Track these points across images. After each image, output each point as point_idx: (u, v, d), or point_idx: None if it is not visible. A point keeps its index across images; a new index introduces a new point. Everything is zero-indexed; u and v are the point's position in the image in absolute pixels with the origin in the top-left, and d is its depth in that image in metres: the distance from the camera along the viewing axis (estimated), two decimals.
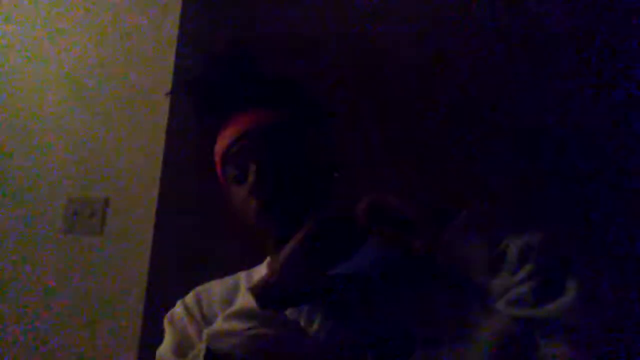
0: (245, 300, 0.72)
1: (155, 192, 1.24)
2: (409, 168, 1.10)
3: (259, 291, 0.60)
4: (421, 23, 1.19)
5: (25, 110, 1.41)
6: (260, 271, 0.75)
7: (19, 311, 1.24)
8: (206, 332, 0.60)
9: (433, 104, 1.15)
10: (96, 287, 1.22)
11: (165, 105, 1.28)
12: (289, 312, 0.65)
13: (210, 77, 0.75)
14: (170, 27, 1.34)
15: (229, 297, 0.74)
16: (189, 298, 0.77)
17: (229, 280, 0.78)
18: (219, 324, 0.60)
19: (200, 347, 0.59)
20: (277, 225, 0.66)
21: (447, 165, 1.09)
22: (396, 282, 0.64)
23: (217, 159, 0.75)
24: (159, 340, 0.77)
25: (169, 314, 0.77)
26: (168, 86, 1.29)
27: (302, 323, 0.64)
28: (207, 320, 0.71)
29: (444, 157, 1.10)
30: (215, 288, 0.77)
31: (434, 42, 1.17)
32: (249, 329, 0.57)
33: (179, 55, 1.32)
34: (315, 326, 0.64)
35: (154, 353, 0.76)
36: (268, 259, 0.76)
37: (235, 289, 0.75)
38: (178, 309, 0.77)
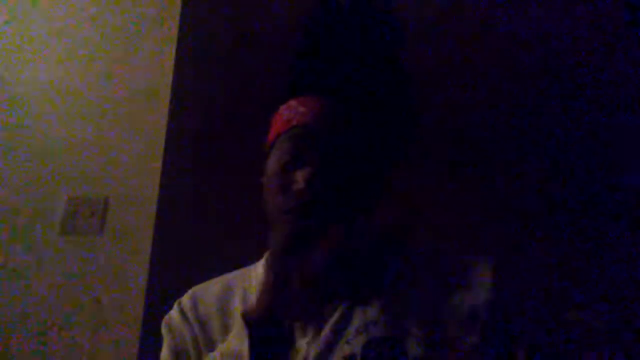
0: (241, 305, 0.71)
1: (155, 192, 1.24)
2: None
3: (252, 321, 0.61)
4: (421, 23, 1.19)
5: (25, 110, 1.41)
6: (257, 270, 0.75)
7: (19, 311, 1.24)
8: None
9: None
10: (96, 287, 1.21)
11: (165, 105, 1.28)
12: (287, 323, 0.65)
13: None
14: (171, 27, 1.34)
15: (225, 297, 0.73)
16: (185, 299, 0.77)
17: (226, 279, 0.77)
18: None
19: None
20: (307, 225, 0.63)
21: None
22: (388, 295, 0.64)
23: (272, 133, 0.70)
24: (159, 340, 0.77)
25: (165, 320, 0.76)
26: (168, 86, 1.29)
27: (297, 335, 0.64)
28: (203, 321, 0.71)
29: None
30: (212, 288, 0.76)
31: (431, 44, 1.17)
32: None
33: (179, 56, 1.32)
34: (308, 338, 0.64)
35: (154, 352, 0.76)
36: (266, 256, 0.75)
37: (231, 289, 0.75)
38: (174, 313, 0.76)
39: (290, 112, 0.67)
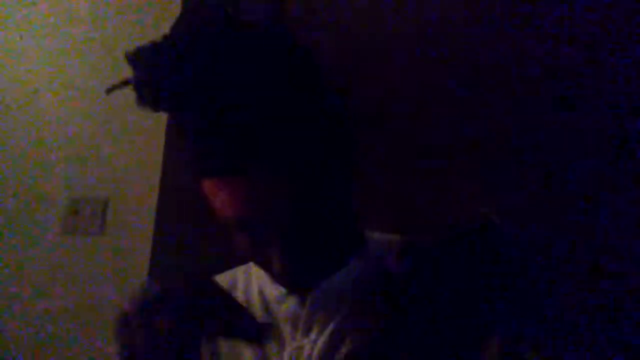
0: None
1: (155, 192, 1.24)
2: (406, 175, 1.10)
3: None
4: (421, 23, 1.19)
5: (25, 110, 1.41)
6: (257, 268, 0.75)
7: (19, 311, 1.24)
8: None
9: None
10: (96, 287, 1.21)
11: None
12: (289, 319, 0.65)
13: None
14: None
15: (229, 291, 0.74)
16: None
17: (227, 276, 0.77)
18: None
19: None
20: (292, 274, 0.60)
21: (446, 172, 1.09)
22: (390, 291, 0.64)
23: (216, 209, 0.60)
24: None
25: None
26: None
27: (300, 331, 0.64)
28: None
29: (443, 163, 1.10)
30: (218, 281, 0.76)
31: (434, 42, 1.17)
32: None
33: None
34: (313, 335, 0.64)
35: None
36: None
37: (235, 283, 0.75)
38: None
39: (230, 196, 0.56)
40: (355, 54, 1.19)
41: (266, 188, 0.54)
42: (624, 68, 1.04)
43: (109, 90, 0.59)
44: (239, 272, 0.77)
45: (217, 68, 0.52)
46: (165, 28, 0.60)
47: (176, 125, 0.58)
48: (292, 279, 0.62)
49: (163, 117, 1.29)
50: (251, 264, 0.77)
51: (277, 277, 0.63)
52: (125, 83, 0.56)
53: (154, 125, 1.29)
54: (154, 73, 0.54)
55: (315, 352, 0.62)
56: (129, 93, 0.63)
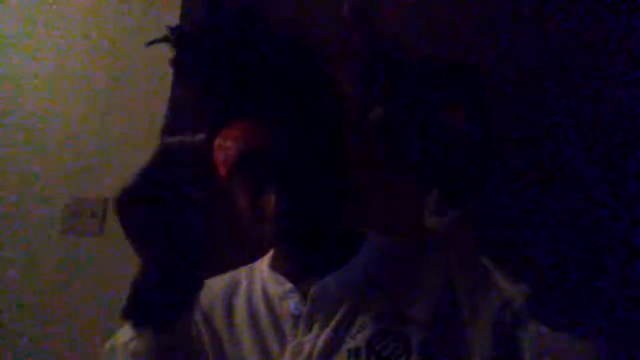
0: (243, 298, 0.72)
1: None
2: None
3: None
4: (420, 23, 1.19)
5: (25, 110, 1.41)
6: (261, 267, 0.75)
7: (19, 311, 1.24)
8: None
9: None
10: (96, 287, 1.21)
11: (165, 104, 1.28)
12: (291, 317, 0.65)
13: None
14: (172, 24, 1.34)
15: (230, 292, 0.74)
16: None
17: (229, 276, 0.77)
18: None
19: None
20: (293, 250, 0.67)
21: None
22: (391, 288, 0.65)
23: (220, 165, 0.67)
24: None
25: None
26: (168, 87, 1.29)
27: (301, 328, 0.64)
28: (207, 318, 0.71)
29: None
30: (219, 282, 0.77)
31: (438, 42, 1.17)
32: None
33: None
34: (314, 332, 0.64)
35: None
36: (270, 252, 0.76)
37: (236, 284, 0.75)
38: None
39: (234, 141, 0.64)
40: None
41: (269, 127, 0.62)
42: (623, 67, 1.05)
43: (150, 43, 0.68)
44: (242, 272, 0.78)
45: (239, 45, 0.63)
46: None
47: (198, 81, 0.65)
48: (299, 266, 0.64)
49: (163, 117, 1.29)
50: (255, 263, 0.77)
51: (273, 226, 0.64)
52: (166, 39, 0.67)
53: (154, 125, 1.29)
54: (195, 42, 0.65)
55: (317, 349, 0.62)
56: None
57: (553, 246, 0.44)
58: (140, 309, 0.50)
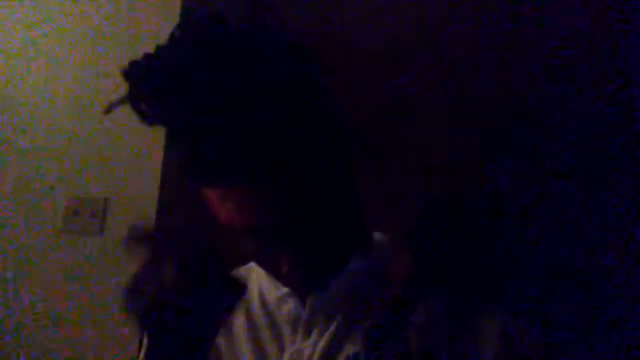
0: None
1: (155, 192, 1.24)
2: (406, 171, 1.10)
3: None
4: (419, 22, 1.19)
5: (25, 110, 1.41)
6: (258, 269, 0.75)
7: (19, 311, 1.24)
8: None
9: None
10: (96, 287, 1.21)
11: None
12: (289, 321, 0.65)
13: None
14: (171, 27, 1.34)
15: None
16: None
17: (234, 274, 0.77)
18: None
19: None
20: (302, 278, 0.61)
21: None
22: (390, 293, 0.64)
23: (220, 217, 0.59)
24: None
25: None
26: None
27: (300, 333, 0.64)
28: None
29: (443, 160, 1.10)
30: None
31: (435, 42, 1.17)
32: None
33: None
34: (313, 337, 0.64)
35: None
36: None
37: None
38: None
39: (235, 207, 0.56)
40: (354, 54, 1.19)
41: (270, 196, 0.54)
42: (622, 65, 1.05)
43: (107, 111, 0.58)
44: (238, 273, 0.77)
45: (212, 80, 0.50)
46: (165, 28, 0.60)
47: (174, 138, 0.57)
48: (298, 280, 0.62)
49: None
50: (251, 265, 0.77)
51: (284, 279, 0.63)
52: (122, 101, 0.55)
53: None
54: (149, 88, 0.52)
55: (316, 355, 0.62)
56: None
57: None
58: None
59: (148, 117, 0.53)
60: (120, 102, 0.55)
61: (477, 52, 1.14)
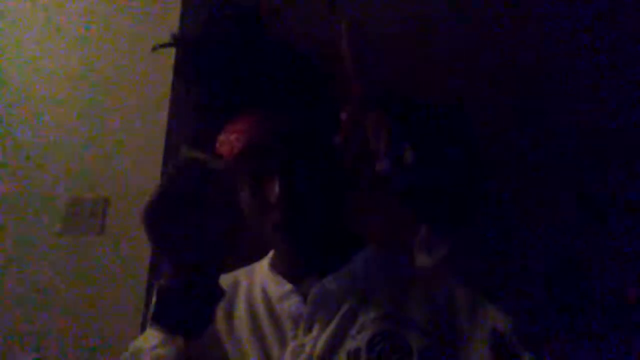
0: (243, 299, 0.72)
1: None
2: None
3: None
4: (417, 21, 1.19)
5: (25, 110, 1.41)
6: (262, 268, 0.75)
7: (19, 311, 1.24)
8: None
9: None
10: (96, 287, 1.22)
11: (165, 104, 1.29)
12: (291, 317, 0.65)
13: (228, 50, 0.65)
14: (171, 27, 1.34)
15: (229, 294, 0.74)
16: None
17: (229, 277, 0.78)
18: None
19: None
20: (296, 244, 0.66)
21: None
22: (391, 290, 0.65)
23: (228, 154, 0.67)
24: None
25: None
26: (168, 87, 1.29)
27: (301, 329, 0.65)
28: None
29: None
30: (221, 281, 0.77)
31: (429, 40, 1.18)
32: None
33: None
34: (314, 333, 0.64)
35: None
36: (270, 254, 0.76)
37: (237, 285, 0.75)
38: None
39: (238, 134, 0.66)
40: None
41: (272, 121, 0.63)
42: (622, 66, 1.05)
43: (155, 48, 0.71)
44: (242, 272, 0.78)
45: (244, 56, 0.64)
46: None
47: (200, 80, 0.67)
48: (299, 267, 0.65)
49: (163, 117, 1.29)
50: (255, 264, 0.77)
51: (286, 262, 0.66)
52: (171, 44, 0.70)
53: (154, 125, 1.29)
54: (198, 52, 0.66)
55: (317, 350, 0.62)
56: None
57: (536, 276, 0.45)
58: (170, 317, 0.51)
59: (190, 68, 0.68)
60: (169, 44, 0.70)
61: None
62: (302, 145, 0.64)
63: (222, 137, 0.66)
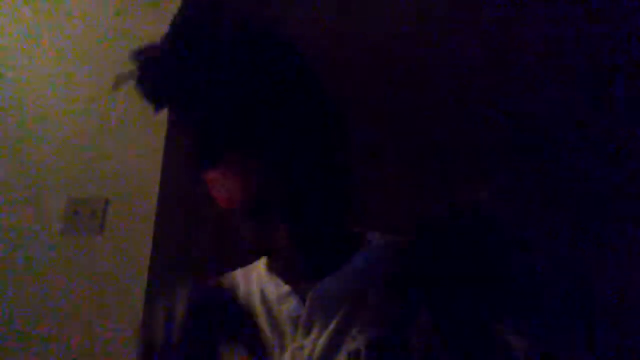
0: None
1: (155, 192, 1.24)
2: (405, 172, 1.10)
3: None
4: (418, 21, 1.19)
5: (25, 110, 1.41)
6: (258, 268, 0.75)
7: (19, 311, 1.24)
8: None
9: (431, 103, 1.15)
10: (96, 287, 1.21)
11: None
12: (290, 319, 0.65)
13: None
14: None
15: None
16: None
17: (228, 277, 0.77)
18: None
19: None
20: (294, 246, 0.62)
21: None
22: (388, 294, 0.65)
23: (219, 199, 0.63)
24: None
25: None
26: None
27: (300, 331, 0.64)
28: None
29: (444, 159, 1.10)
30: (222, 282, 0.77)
31: (431, 41, 1.18)
32: None
33: None
34: (313, 334, 0.64)
35: None
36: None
37: (236, 286, 0.75)
38: None
39: (233, 182, 0.60)
40: (353, 53, 1.19)
41: (266, 172, 0.58)
42: (623, 66, 1.05)
43: (116, 85, 0.64)
44: (238, 274, 0.77)
45: (216, 66, 0.57)
46: (165, 27, 0.62)
47: (177, 120, 0.63)
48: (297, 268, 0.64)
49: (163, 117, 1.29)
50: (252, 265, 0.77)
51: (284, 263, 0.64)
52: (130, 77, 0.63)
53: (154, 125, 1.29)
54: (157, 71, 0.61)
55: (316, 352, 0.62)
56: (129, 94, 0.65)
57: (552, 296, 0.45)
58: None
59: (153, 98, 0.62)
60: (127, 78, 0.63)
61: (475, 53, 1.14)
62: (304, 185, 0.59)
63: (214, 177, 0.60)
